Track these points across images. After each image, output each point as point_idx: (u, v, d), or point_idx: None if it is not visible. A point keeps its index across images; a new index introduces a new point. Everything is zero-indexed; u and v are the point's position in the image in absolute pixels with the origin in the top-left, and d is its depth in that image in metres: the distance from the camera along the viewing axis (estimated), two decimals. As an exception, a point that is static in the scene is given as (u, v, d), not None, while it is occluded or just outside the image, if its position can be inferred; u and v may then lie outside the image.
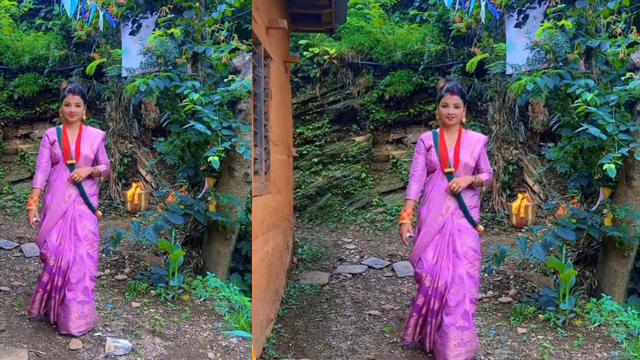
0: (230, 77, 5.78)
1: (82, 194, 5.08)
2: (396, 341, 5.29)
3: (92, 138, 5.21)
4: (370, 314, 5.98)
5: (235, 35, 5.94)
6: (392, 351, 5.10)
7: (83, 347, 4.79)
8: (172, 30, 6.01)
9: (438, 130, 4.80)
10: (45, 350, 4.72)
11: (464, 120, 4.72)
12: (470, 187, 4.64)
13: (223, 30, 5.98)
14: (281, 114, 6.89)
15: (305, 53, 9.62)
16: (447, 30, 8.65)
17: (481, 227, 4.66)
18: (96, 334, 5.02)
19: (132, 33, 6.67)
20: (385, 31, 9.12)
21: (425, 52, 8.70)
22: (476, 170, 4.72)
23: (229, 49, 5.84)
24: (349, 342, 5.32)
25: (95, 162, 5.22)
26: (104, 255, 6.39)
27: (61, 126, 5.24)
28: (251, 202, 5.79)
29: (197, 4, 6.11)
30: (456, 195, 4.62)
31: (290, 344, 5.31)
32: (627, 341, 4.78)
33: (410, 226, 4.67)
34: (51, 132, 5.22)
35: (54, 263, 4.99)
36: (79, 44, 7.88)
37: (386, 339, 5.36)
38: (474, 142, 4.71)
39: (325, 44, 9.76)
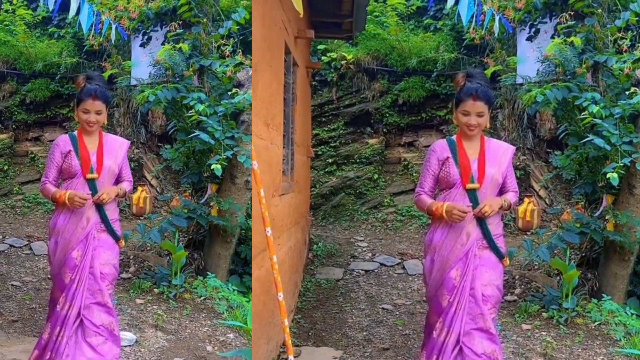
0: (234, 90, 6.07)
1: (104, 219, 4.12)
2: (408, 333, 5.60)
3: (117, 148, 4.27)
4: (383, 308, 6.29)
5: (240, 50, 6.20)
6: (406, 342, 5.41)
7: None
8: (180, 45, 6.31)
9: (454, 137, 3.92)
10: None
11: (487, 125, 3.83)
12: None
13: (228, 45, 6.24)
14: (302, 117, 7.21)
15: (323, 58, 9.92)
16: (460, 39, 8.93)
17: (507, 261, 3.86)
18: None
19: (142, 45, 7.00)
20: (401, 39, 9.42)
21: (439, 59, 8.99)
22: (500, 188, 3.89)
23: (233, 64, 6.12)
24: (364, 333, 5.63)
25: (118, 179, 4.31)
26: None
27: (75, 133, 4.24)
28: (251, 208, 6.03)
29: (205, 19, 6.40)
30: (479, 221, 3.75)
31: (309, 333, 5.62)
32: (625, 339, 5.07)
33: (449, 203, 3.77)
34: (63, 140, 4.19)
35: (66, 310, 4.01)
36: (90, 52, 8.16)
37: (399, 331, 5.67)
38: (501, 154, 3.86)
39: (342, 50, 10.07)
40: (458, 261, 3.77)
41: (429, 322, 3.94)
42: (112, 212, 4.20)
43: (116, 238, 4.21)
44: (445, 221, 3.79)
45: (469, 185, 3.77)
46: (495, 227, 3.82)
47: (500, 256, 3.79)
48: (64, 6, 5.49)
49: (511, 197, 3.88)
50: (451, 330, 3.73)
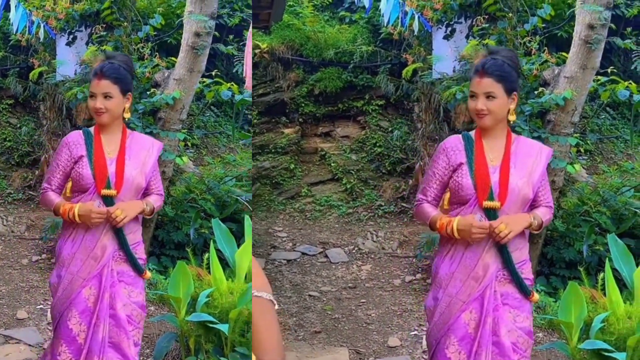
0: (152, 90, 6.82)
1: (124, 246, 3.35)
2: (338, 317, 6.32)
3: (144, 152, 3.48)
4: (310, 295, 6.97)
5: (157, 53, 7.03)
6: (336, 325, 6.12)
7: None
8: (104, 47, 6.97)
9: (473, 134, 3.18)
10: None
11: (511, 117, 3.09)
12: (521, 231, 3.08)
13: (147, 48, 7.04)
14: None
15: (237, 46, 10.47)
16: (376, 32, 9.74)
17: (537, 297, 3.24)
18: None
19: (68, 44, 7.61)
20: (316, 29, 10.11)
21: (356, 51, 9.76)
22: (531, 203, 3.15)
23: (151, 65, 6.90)
24: (294, 319, 6.28)
25: (145, 192, 3.52)
26: (41, 241, 7.14)
27: (91, 129, 3.42)
28: (169, 196, 6.89)
29: (125, 23, 7.11)
30: (499, 246, 3.05)
31: (244, 320, 6.24)
32: (536, 312, 6.06)
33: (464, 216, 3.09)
34: (75, 139, 3.39)
35: None
36: (15, 47, 8.57)
37: (328, 316, 6.37)
38: (532, 158, 3.11)
39: (256, 38, 10.62)
40: (472, 302, 3.08)
41: None
42: (133, 235, 3.45)
43: (139, 270, 3.45)
44: (456, 246, 3.12)
45: (487, 204, 3.06)
46: (519, 252, 3.15)
47: (526, 292, 3.14)
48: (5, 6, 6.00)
49: (543, 213, 3.17)
50: None
